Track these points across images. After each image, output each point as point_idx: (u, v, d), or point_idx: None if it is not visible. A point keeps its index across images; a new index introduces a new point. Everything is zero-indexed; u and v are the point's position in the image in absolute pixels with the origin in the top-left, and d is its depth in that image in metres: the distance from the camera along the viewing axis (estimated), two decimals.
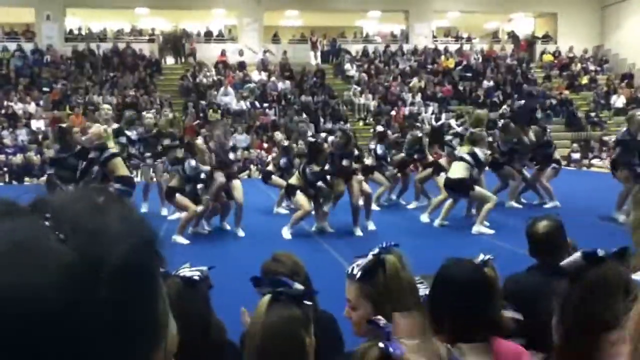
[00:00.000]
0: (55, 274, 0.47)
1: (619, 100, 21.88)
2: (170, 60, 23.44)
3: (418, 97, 21.23)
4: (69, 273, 0.48)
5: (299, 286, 1.67)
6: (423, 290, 2.06)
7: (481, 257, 2.04)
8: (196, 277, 1.75)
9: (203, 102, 20.09)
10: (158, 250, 0.56)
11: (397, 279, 1.81)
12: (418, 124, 13.95)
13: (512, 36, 26.03)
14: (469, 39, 25.77)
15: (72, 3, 22.34)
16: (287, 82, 21.63)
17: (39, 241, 0.49)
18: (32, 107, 19.08)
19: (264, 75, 21.90)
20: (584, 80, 23.61)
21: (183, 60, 23.04)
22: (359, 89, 21.44)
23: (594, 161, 18.46)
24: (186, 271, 1.75)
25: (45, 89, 19.91)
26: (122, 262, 0.50)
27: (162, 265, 0.56)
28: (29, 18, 22.42)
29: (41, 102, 19.43)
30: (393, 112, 20.07)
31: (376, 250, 1.84)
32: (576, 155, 18.52)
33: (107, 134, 7.93)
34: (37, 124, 18.50)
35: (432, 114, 19.96)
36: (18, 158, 16.64)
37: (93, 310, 0.48)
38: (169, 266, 1.80)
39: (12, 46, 21.71)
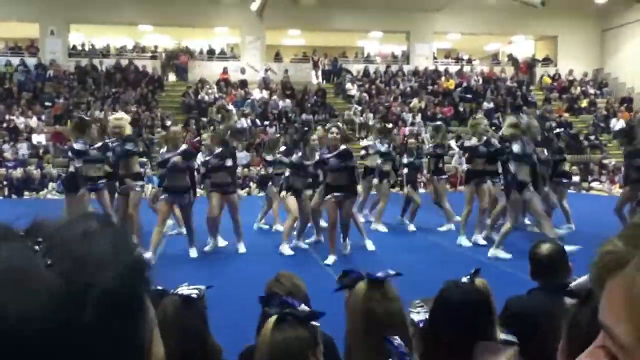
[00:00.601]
0: (41, 299, 0.49)
1: (618, 124, 21.97)
2: (172, 77, 23.59)
3: (418, 118, 21.32)
4: (54, 298, 0.49)
5: (304, 307, 1.67)
6: (423, 314, 2.04)
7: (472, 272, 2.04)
8: (194, 295, 1.74)
9: (204, 119, 20.17)
10: (145, 276, 0.57)
11: (363, 310, 1.81)
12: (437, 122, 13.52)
13: (512, 58, 26.24)
14: (469, 61, 25.96)
15: (76, 19, 22.54)
16: (288, 101, 21.74)
17: (28, 267, 0.50)
18: (33, 121, 19.15)
19: (265, 94, 22.02)
20: (584, 103, 23.74)
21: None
22: (359, 108, 21.54)
23: (594, 184, 18.48)
24: (184, 289, 1.75)
25: (47, 103, 20.00)
26: (107, 288, 0.51)
27: (148, 290, 0.58)
28: (33, 33, 22.61)
29: (43, 117, 19.51)
30: (395, 131, 20.14)
31: (339, 275, 1.88)
32: (576, 178, 18.55)
33: (127, 120, 7.85)
34: (38, 138, 18.56)
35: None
36: (18, 172, 16.66)
37: (78, 335, 0.49)
38: (169, 283, 1.79)
39: (15, 61, 21.87)
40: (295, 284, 2.44)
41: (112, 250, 0.55)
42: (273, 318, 1.63)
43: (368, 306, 1.82)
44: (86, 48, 23.68)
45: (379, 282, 1.85)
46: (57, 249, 0.52)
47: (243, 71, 22.79)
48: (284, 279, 2.47)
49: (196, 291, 1.75)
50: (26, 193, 16.35)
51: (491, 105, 22.44)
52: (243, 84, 22.53)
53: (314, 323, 1.63)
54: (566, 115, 22.61)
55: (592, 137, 21.50)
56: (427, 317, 2.03)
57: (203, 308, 1.82)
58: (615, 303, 0.55)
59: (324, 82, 23.81)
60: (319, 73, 24.10)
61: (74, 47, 23.46)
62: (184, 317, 1.69)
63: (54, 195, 15.82)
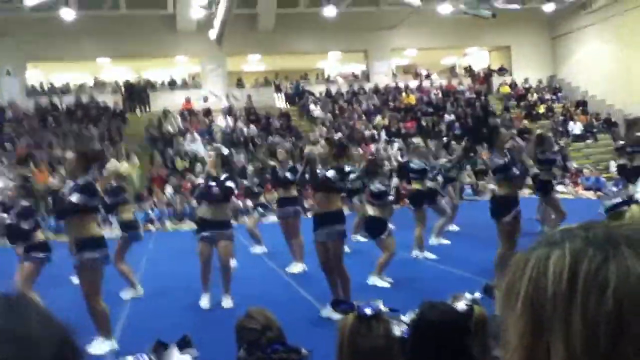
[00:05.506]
0: None
1: (576, 127, 22.66)
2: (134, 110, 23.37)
3: (383, 134, 21.59)
4: None
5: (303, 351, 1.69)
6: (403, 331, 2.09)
7: (467, 296, 2.09)
8: None
9: (171, 151, 20.05)
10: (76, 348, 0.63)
11: (348, 343, 1.85)
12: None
13: (469, 70, 26.86)
14: (427, 76, 26.48)
15: (33, 57, 22.25)
16: (252, 127, 21.76)
17: None
18: None
19: (229, 120, 22.02)
20: (541, 109, 24.40)
21: (148, 109, 23.02)
22: (324, 129, 21.71)
23: (559, 187, 18.91)
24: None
25: (7, 144, 19.61)
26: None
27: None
28: None
29: (4, 159, 19.10)
30: (360, 150, 20.33)
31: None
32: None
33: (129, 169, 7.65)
34: (0, 183, 18.13)
35: (398, 149, 20.30)
36: None
37: None
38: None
39: None
40: (268, 318, 2.37)
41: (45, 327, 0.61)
42: None
43: (353, 340, 1.85)
44: (45, 87, 23.35)
45: (367, 318, 1.88)
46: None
47: (205, 99, 22.75)
48: (257, 314, 2.38)
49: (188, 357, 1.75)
50: None
51: (452, 117, 22.89)
52: (207, 112, 22.50)
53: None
54: (525, 121, 23.19)
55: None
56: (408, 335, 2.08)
57: None
58: None
59: (288, 105, 23.96)
60: (282, 96, 24.25)
61: (32, 86, 23.11)
62: None
63: None
